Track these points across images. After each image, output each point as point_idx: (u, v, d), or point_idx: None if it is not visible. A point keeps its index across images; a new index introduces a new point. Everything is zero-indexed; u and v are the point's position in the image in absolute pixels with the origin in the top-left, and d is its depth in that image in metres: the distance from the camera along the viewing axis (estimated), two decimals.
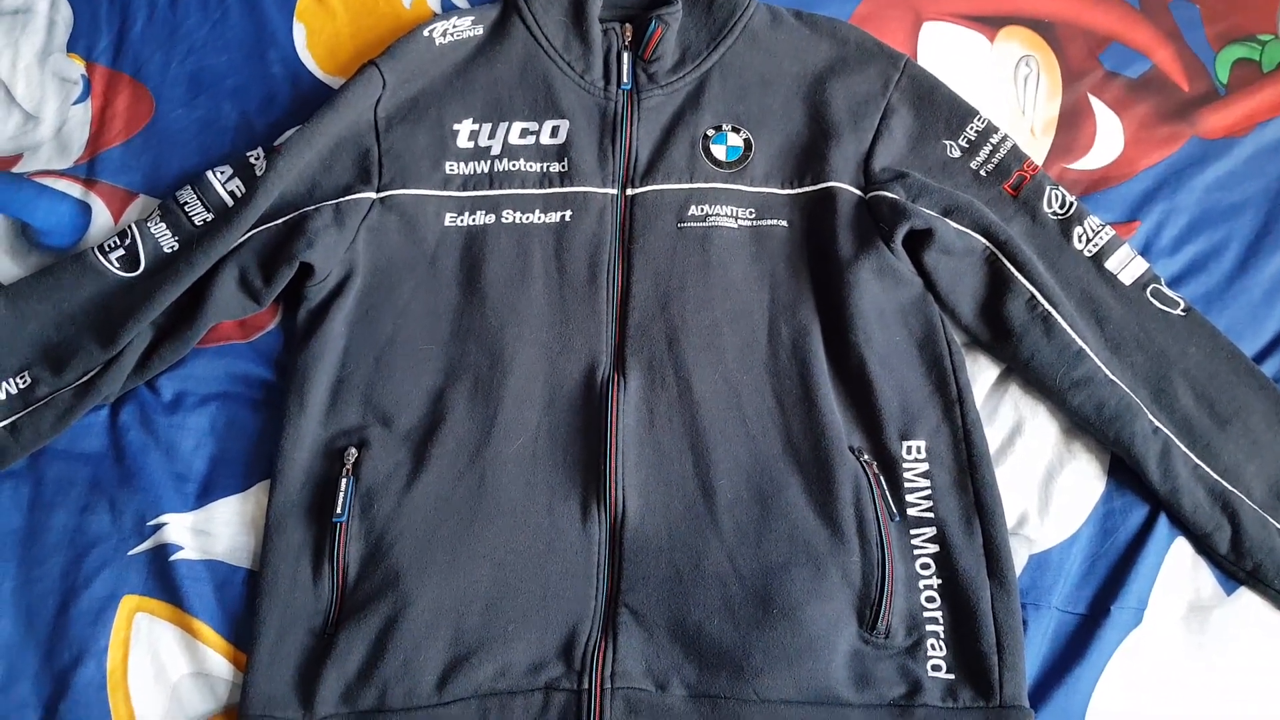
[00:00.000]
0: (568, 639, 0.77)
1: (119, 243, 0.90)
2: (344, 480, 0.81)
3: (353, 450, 0.83)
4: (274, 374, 0.91)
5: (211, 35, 1.07)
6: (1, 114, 1.04)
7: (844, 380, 0.86)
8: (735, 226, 0.90)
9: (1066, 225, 0.91)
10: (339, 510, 0.80)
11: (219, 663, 0.80)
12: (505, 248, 0.90)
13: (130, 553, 0.83)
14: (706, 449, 0.82)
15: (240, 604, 0.81)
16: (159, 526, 0.84)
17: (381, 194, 0.92)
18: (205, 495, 0.86)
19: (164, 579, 0.82)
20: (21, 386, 0.85)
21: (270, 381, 0.90)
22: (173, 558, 0.83)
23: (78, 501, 0.85)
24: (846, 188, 0.91)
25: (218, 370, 0.91)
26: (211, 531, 0.84)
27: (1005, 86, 1.04)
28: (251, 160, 0.92)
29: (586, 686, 0.75)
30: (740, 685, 0.74)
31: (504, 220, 0.91)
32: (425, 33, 0.95)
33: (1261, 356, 0.91)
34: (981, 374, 0.90)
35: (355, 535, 0.80)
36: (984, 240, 0.89)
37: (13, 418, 0.85)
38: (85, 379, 0.85)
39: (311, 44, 1.07)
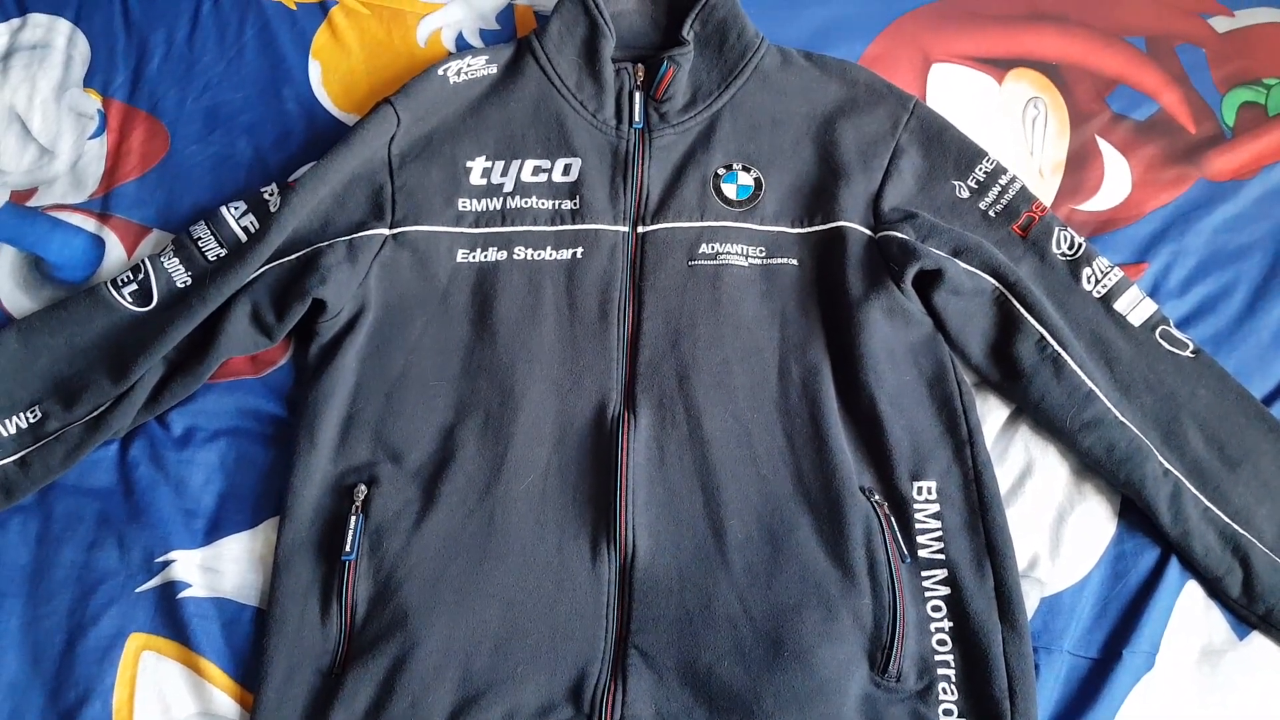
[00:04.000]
0: (577, 681, 0.76)
1: (132, 277, 0.90)
2: (353, 518, 0.81)
3: (362, 487, 0.83)
4: (285, 410, 0.91)
5: (228, 72, 1.08)
6: (17, 148, 1.05)
7: (854, 420, 0.86)
8: (746, 265, 0.91)
9: (1075, 266, 0.91)
10: (348, 548, 0.80)
11: (226, 703, 0.79)
12: (517, 284, 0.90)
13: (138, 590, 0.83)
14: (717, 488, 0.82)
15: (248, 643, 0.81)
16: (167, 563, 0.84)
17: (394, 230, 0.92)
18: (214, 532, 0.86)
19: (171, 617, 0.82)
20: (32, 421, 0.85)
21: (281, 417, 0.91)
22: (180, 595, 0.82)
23: (86, 537, 0.85)
24: (856, 227, 0.91)
25: (228, 405, 0.91)
26: (220, 569, 0.84)
27: (1014, 128, 1.05)
28: (266, 196, 0.92)
29: None
30: None
31: (516, 257, 0.91)
32: (440, 71, 0.96)
33: (1270, 399, 0.91)
34: (991, 414, 0.90)
35: (364, 574, 0.80)
36: (993, 281, 0.89)
37: (23, 452, 0.85)
38: (96, 414, 0.85)
39: (327, 81, 1.08)
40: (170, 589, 0.83)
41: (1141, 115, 1.06)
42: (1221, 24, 1.11)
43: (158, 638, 0.81)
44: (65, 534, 0.85)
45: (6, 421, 0.85)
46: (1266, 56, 1.08)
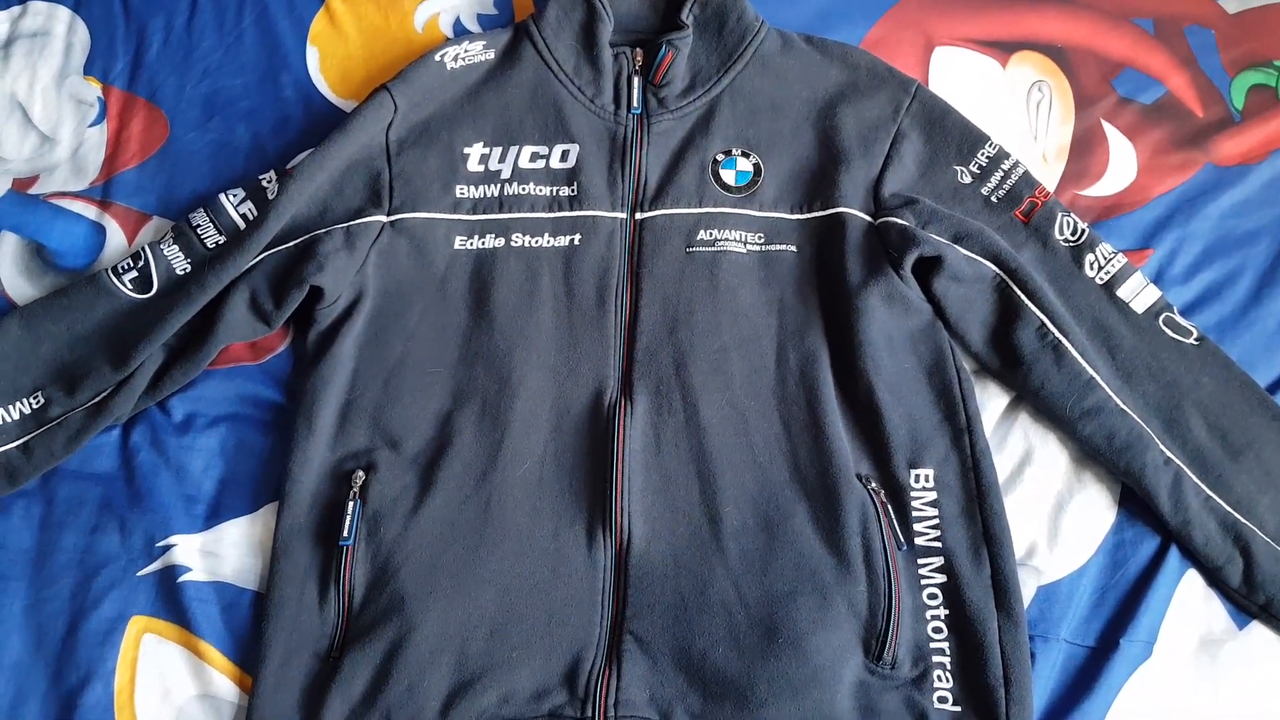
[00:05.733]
0: (572, 666, 0.77)
1: (132, 264, 0.91)
2: (351, 503, 0.82)
3: (360, 473, 0.83)
4: (283, 396, 0.91)
5: (226, 59, 1.08)
6: (18, 136, 1.06)
7: (852, 407, 0.85)
8: (744, 251, 0.90)
9: (1078, 252, 0.90)
10: (345, 534, 0.80)
11: (225, 685, 0.80)
12: (514, 271, 0.90)
13: (139, 574, 0.84)
14: (713, 475, 0.82)
15: (247, 626, 0.82)
16: (168, 547, 0.85)
17: (392, 217, 0.92)
18: (214, 517, 0.87)
19: (172, 600, 0.83)
20: (35, 406, 0.86)
21: (280, 403, 0.91)
22: (181, 579, 0.83)
23: (88, 522, 0.86)
24: (856, 213, 0.90)
25: (228, 392, 0.92)
26: (220, 553, 0.85)
27: (1017, 112, 1.03)
28: (264, 183, 0.92)
29: (590, 715, 0.75)
30: (745, 715, 0.74)
31: (513, 243, 0.91)
32: (437, 57, 0.96)
33: (1275, 387, 0.90)
34: (991, 402, 0.89)
35: (361, 559, 0.80)
36: (994, 267, 0.88)
37: (26, 438, 0.86)
38: (97, 400, 0.86)
39: (324, 68, 1.08)
40: (171, 573, 0.84)
41: (1148, 98, 1.04)
42: (1232, 5, 1.09)
43: (159, 621, 0.82)
44: (67, 518, 0.86)
45: (10, 407, 0.86)
46: (1276, 39, 1.06)
